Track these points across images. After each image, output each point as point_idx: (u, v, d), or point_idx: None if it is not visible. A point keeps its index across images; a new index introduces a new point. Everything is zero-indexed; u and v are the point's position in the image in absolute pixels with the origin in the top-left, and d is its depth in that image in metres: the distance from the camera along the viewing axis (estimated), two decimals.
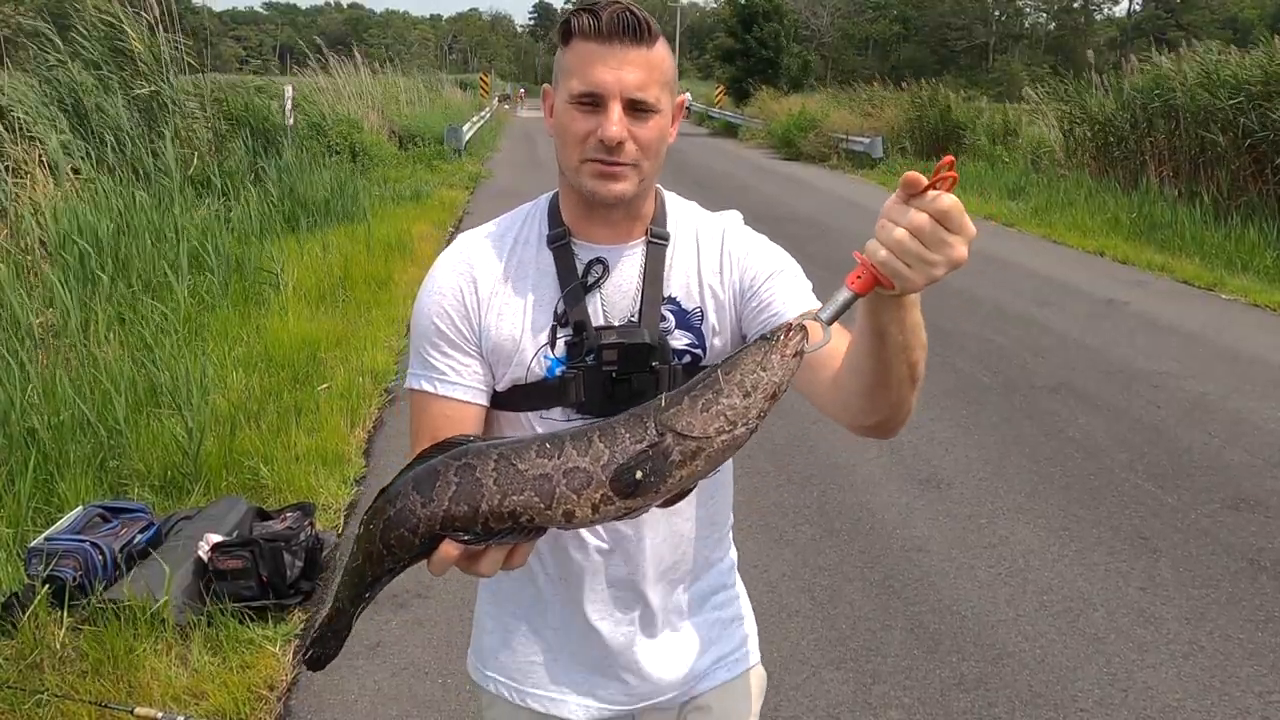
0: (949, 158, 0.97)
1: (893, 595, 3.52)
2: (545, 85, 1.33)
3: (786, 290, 1.31)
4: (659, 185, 1.38)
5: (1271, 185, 10.58)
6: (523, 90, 61.09)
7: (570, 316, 1.30)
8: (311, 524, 3.66)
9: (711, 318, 1.34)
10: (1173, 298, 8.22)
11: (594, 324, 1.30)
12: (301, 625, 3.31)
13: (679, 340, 1.33)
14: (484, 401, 1.34)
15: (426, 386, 1.34)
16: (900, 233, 0.95)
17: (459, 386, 1.33)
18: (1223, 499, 4.28)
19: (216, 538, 3.42)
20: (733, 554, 1.54)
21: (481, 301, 1.34)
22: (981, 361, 6.23)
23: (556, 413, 1.32)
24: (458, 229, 11.51)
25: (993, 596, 3.51)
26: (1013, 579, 3.63)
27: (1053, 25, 76.04)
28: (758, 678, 1.54)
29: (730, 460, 1.46)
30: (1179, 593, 3.53)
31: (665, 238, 1.35)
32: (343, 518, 4.09)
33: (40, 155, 7.60)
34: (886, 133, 19.47)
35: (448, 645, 3.20)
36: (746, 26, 41.79)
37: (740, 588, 1.56)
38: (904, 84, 22.16)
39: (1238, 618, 3.37)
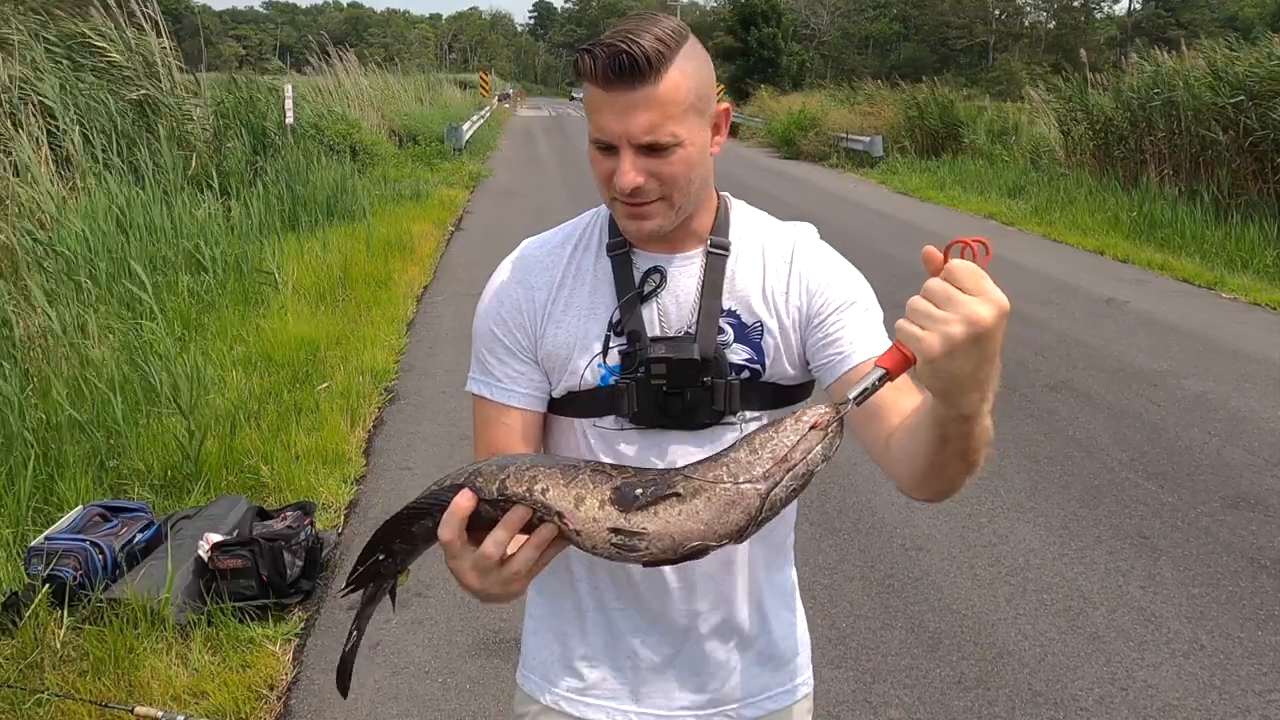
0: (980, 239, 0.95)
1: (893, 594, 3.52)
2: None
3: (856, 328, 1.26)
4: (726, 194, 1.34)
5: (1272, 184, 10.58)
6: (511, 90, 61.09)
7: (625, 326, 1.27)
8: (311, 523, 3.66)
9: (774, 334, 1.30)
10: (1173, 296, 8.22)
11: (649, 334, 1.27)
12: (301, 625, 3.31)
13: (737, 355, 1.29)
14: (540, 408, 1.33)
15: (484, 392, 1.34)
16: (913, 298, 0.94)
17: (514, 394, 1.32)
18: (1223, 498, 4.28)
19: (217, 537, 3.42)
20: (793, 576, 1.49)
21: (538, 309, 1.32)
22: None
23: (609, 420, 1.30)
24: (458, 228, 11.52)
25: (993, 595, 3.51)
26: (1013, 578, 3.63)
27: (1053, 24, 76.06)
28: (804, 711, 1.48)
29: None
30: (1179, 591, 3.53)
31: (725, 248, 1.30)
32: (343, 517, 4.09)
33: (47, 154, 7.60)
34: (886, 132, 19.47)
35: (448, 645, 3.21)
36: (746, 26, 41.82)
37: (800, 614, 1.50)
38: (904, 83, 22.16)
39: (1238, 616, 3.37)
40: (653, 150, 1.17)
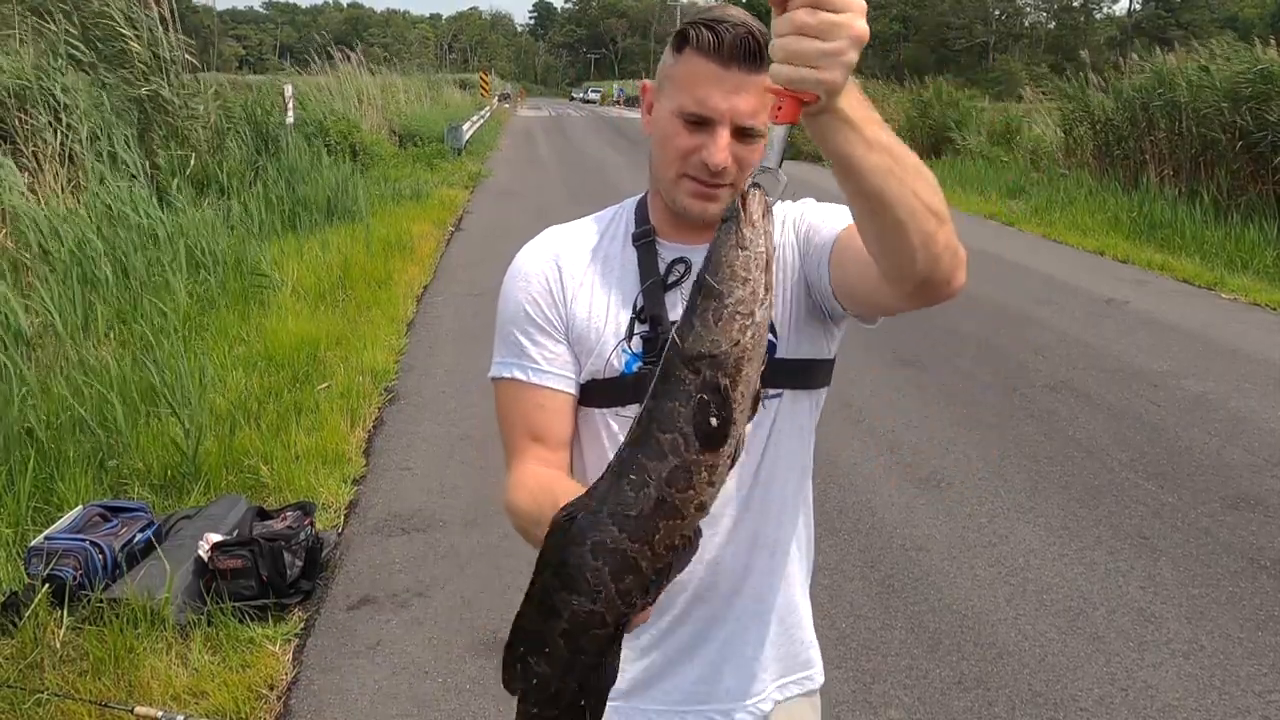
0: None
1: (893, 594, 3.52)
2: (645, 81, 1.32)
3: (822, 212, 1.31)
4: None
5: (1271, 185, 10.59)
6: (511, 90, 61.32)
7: (648, 311, 1.29)
8: (311, 523, 3.66)
9: (780, 301, 1.31)
10: (1173, 297, 8.22)
11: (671, 319, 1.28)
12: (301, 625, 3.31)
13: None
14: (574, 390, 1.32)
15: (519, 375, 1.32)
16: (788, 40, 0.90)
17: (551, 375, 1.31)
18: (1223, 498, 4.28)
19: (217, 537, 3.42)
20: (797, 572, 1.45)
21: (567, 289, 1.33)
22: (981, 361, 6.23)
23: (632, 409, 1.27)
24: (458, 228, 11.51)
25: (993, 596, 3.51)
26: (1013, 578, 3.63)
27: (1053, 24, 76.06)
28: (815, 706, 1.48)
29: (794, 483, 1.40)
30: (1179, 592, 3.53)
31: None
32: (343, 517, 4.09)
33: (54, 151, 7.60)
34: None
35: (448, 645, 3.20)
36: None
37: (800, 619, 1.46)
38: (904, 83, 22.17)
39: (1238, 617, 3.37)
40: (744, 135, 1.20)
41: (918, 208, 1.03)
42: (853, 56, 0.91)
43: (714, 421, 0.93)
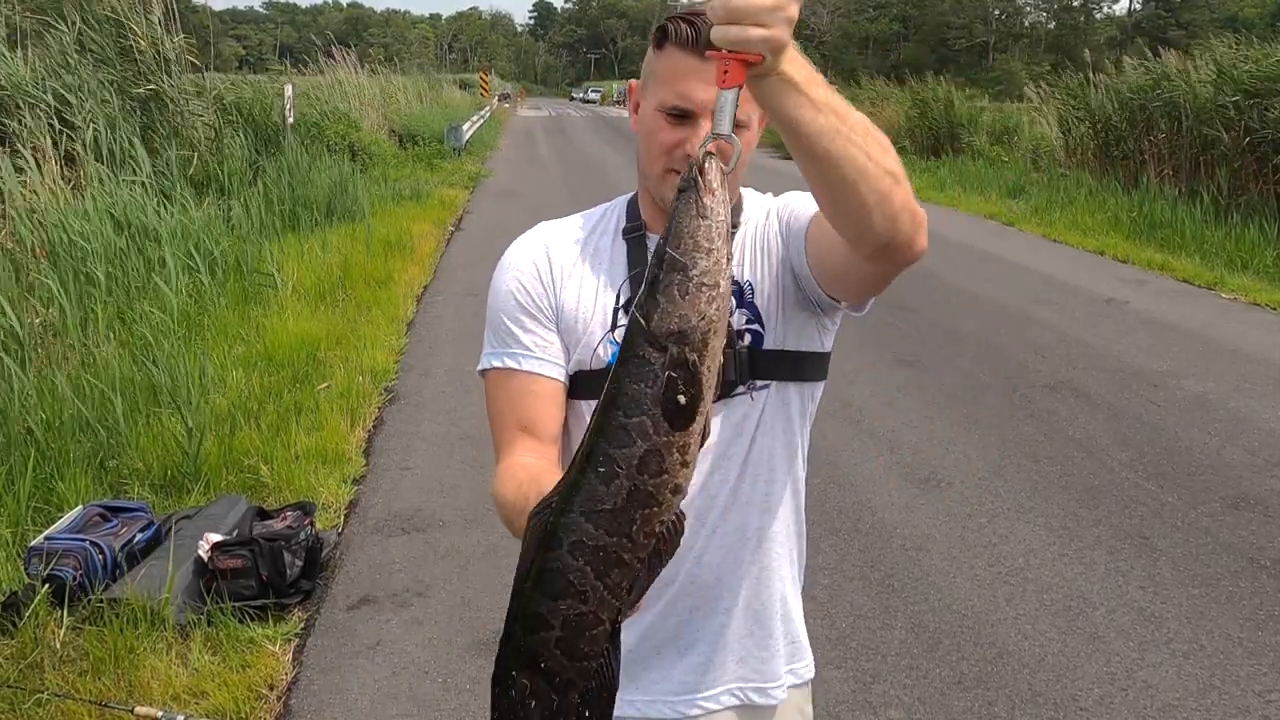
0: None
1: (893, 594, 3.52)
2: (632, 81, 1.33)
3: (803, 198, 1.31)
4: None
5: (1272, 184, 10.57)
6: (511, 90, 61.46)
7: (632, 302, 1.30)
8: (311, 523, 3.66)
9: (765, 290, 1.32)
10: (1173, 297, 8.21)
11: None
12: (301, 625, 3.31)
13: (736, 321, 1.31)
14: (564, 380, 1.32)
15: (510, 363, 1.32)
16: (722, 0, 0.90)
17: (544, 362, 1.31)
18: (1223, 498, 4.28)
19: (216, 537, 3.42)
20: (784, 571, 1.42)
21: (555, 279, 1.34)
22: (981, 361, 6.23)
23: None
24: (458, 228, 11.52)
25: (993, 595, 3.51)
26: (1013, 578, 3.63)
27: (1053, 24, 76.07)
28: (806, 696, 1.47)
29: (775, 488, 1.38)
30: (1179, 592, 3.53)
31: (735, 225, 1.34)
32: (343, 517, 4.09)
33: (49, 153, 7.61)
34: (886, 131, 19.44)
35: (448, 645, 3.21)
36: None
37: (789, 613, 1.44)
38: (905, 83, 22.18)
39: (1237, 617, 3.37)
40: None
41: (869, 168, 1.04)
42: (794, 10, 0.91)
43: (682, 399, 0.90)
